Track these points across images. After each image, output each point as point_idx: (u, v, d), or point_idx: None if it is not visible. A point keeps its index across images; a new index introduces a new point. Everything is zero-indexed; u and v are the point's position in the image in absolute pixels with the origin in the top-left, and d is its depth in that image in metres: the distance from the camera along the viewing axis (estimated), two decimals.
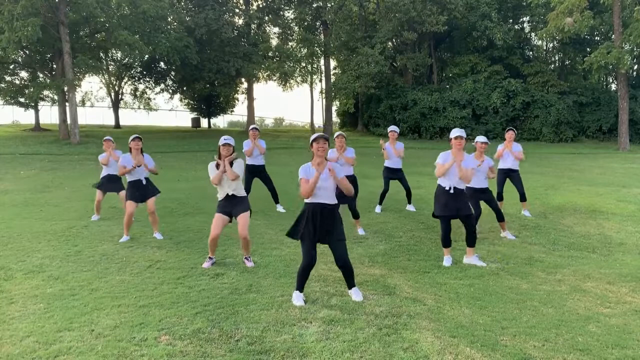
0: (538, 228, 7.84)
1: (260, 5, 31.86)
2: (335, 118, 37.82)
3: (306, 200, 4.56)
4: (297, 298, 4.54)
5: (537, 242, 7.02)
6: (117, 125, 35.54)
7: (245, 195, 5.91)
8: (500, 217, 7.25)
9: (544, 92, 29.70)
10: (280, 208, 9.27)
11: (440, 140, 28.95)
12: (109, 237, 7.10)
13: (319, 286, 4.89)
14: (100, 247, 6.54)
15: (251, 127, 9.13)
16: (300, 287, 4.59)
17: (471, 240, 5.89)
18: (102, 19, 24.03)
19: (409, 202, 9.41)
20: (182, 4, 30.36)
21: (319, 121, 38.99)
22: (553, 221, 8.41)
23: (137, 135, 7.19)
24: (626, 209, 9.34)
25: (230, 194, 5.68)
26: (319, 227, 4.48)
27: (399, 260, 5.96)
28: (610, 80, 35.20)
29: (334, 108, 35.98)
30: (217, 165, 5.69)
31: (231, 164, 5.66)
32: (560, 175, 14.54)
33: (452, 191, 5.76)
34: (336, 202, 4.63)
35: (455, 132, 5.79)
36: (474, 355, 3.46)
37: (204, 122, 40.67)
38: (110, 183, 8.52)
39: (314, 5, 31.61)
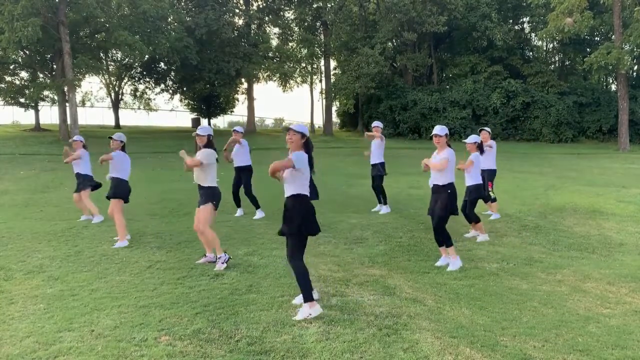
0: (538, 228, 7.83)
1: (260, 6, 31.87)
2: (335, 118, 37.85)
3: (303, 193, 4.24)
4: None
5: (537, 243, 7.02)
6: (117, 125, 35.52)
7: (212, 186, 5.69)
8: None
9: (544, 93, 29.70)
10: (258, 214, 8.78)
11: None
12: (109, 238, 7.09)
13: (318, 286, 4.88)
14: (100, 248, 6.54)
15: (233, 128, 8.91)
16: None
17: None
18: (102, 19, 24.06)
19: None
20: (182, 4, 30.37)
21: (319, 121, 39.03)
22: (553, 221, 8.40)
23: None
24: (626, 209, 9.33)
25: (193, 182, 5.70)
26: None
27: (399, 261, 5.96)
28: (610, 81, 35.22)
29: (334, 108, 36.01)
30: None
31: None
32: (560, 176, 14.54)
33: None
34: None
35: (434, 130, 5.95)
36: (474, 356, 3.46)
37: (204, 123, 40.66)
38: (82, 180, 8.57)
39: (314, 5, 31.63)
